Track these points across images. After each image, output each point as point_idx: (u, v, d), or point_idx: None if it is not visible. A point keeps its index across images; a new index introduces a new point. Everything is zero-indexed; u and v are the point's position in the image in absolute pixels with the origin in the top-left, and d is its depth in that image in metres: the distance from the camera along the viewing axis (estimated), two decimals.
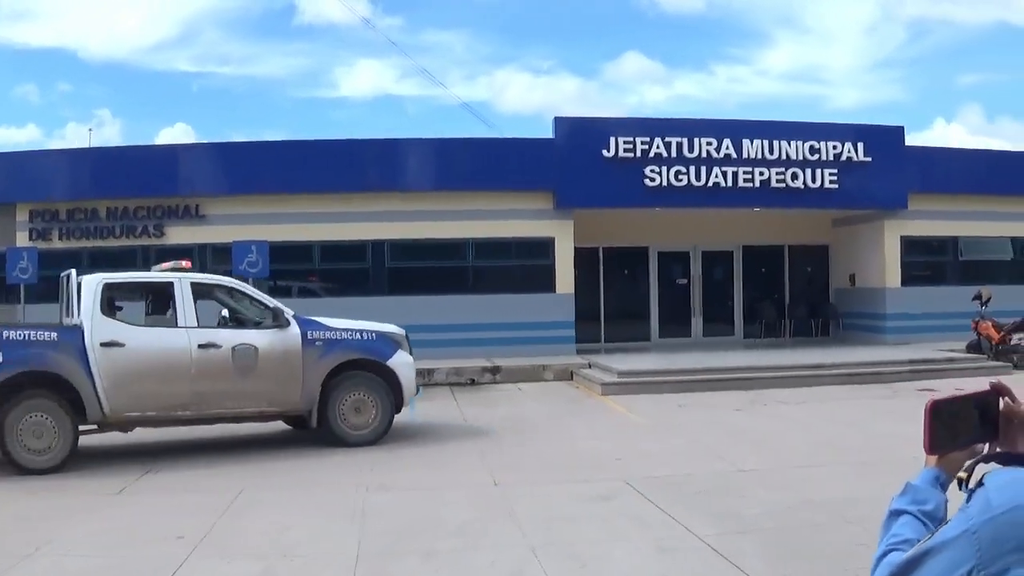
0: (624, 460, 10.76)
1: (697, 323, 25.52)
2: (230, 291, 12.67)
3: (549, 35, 76.08)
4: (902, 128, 23.15)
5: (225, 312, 12.94)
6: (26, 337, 11.14)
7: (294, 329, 12.12)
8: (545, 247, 21.90)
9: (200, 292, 12.09)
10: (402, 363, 12.79)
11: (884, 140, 22.85)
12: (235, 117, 75.46)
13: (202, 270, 16.37)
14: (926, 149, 24.44)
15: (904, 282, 23.27)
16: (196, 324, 11.77)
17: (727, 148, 21.77)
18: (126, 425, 11.74)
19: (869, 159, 22.50)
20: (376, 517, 8.27)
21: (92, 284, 11.50)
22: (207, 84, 72.37)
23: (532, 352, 20.60)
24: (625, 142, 21.62)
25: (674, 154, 21.62)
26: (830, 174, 22.23)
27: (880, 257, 23.55)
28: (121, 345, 11.29)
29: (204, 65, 69.26)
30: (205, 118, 74.85)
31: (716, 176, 21.65)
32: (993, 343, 20.14)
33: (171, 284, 11.93)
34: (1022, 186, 24.22)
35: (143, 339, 11.56)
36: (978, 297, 20.68)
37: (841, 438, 12.35)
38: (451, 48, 67.89)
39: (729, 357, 20.31)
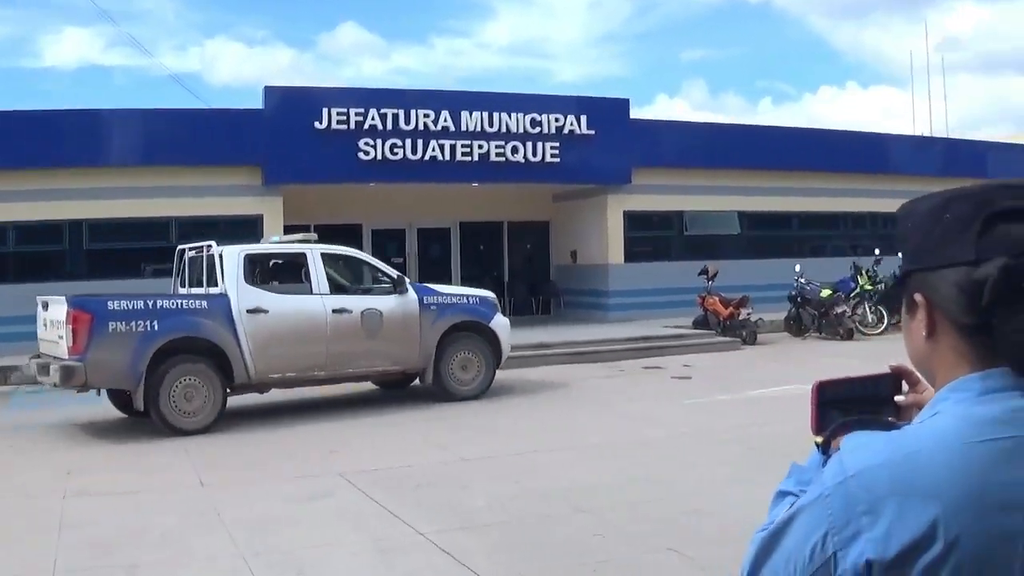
0: (339, 453, 10.45)
1: None
2: (355, 260, 14.68)
3: (264, 3, 74.26)
4: (627, 101, 23.86)
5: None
6: (178, 305, 12.46)
7: (412, 295, 13.82)
8: (253, 225, 21.06)
9: (329, 261, 13.64)
10: (501, 325, 14.68)
11: (608, 113, 23.31)
12: None
13: None
14: (651, 122, 25.12)
15: (627, 258, 23.94)
16: (328, 291, 13.30)
17: (445, 120, 21.63)
18: (267, 387, 13.17)
19: (592, 132, 22.90)
20: (74, 528, 7.67)
21: (234, 255, 12.87)
22: None
23: None
24: (339, 114, 21.09)
25: (390, 126, 21.30)
26: (552, 148, 22.45)
27: (603, 233, 24.10)
28: (265, 311, 12.68)
29: None
30: None
31: (433, 150, 21.51)
32: (721, 318, 20.74)
33: (304, 255, 13.47)
34: (747, 159, 25.09)
35: (284, 305, 12.99)
36: (704, 272, 21.22)
37: (563, 420, 12.29)
38: (162, 16, 65.18)
39: None
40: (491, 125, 21.91)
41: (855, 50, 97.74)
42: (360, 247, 24.19)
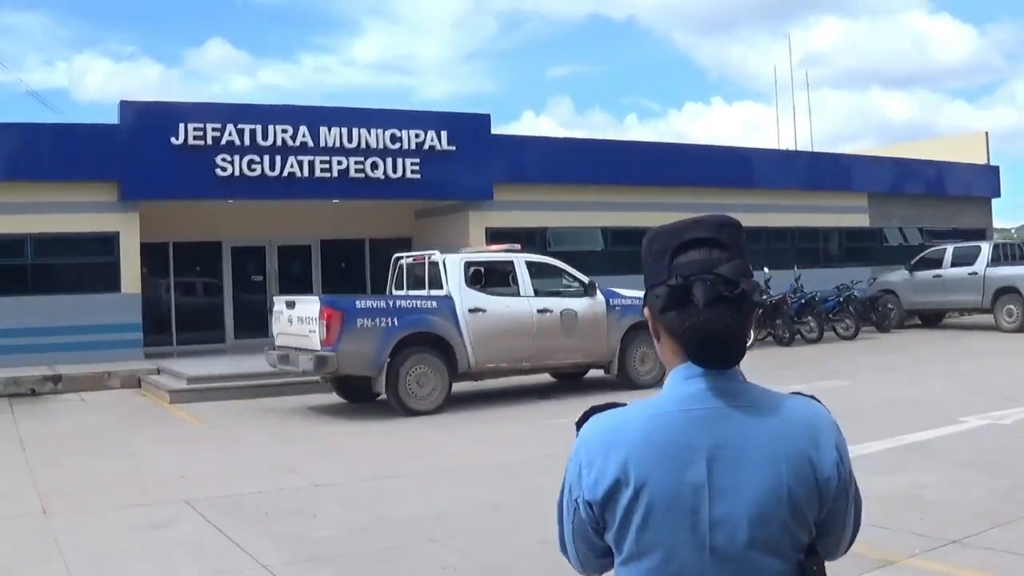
0: (188, 478, 10.48)
1: None
2: (551, 267, 17.12)
3: (132, 19, 73.87)
4: (488, 117, 24.78)
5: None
6: (414, 305, 15.26)
7: (600, 297, 16.73)
8: (109, 243, 21.66)
9: (531, 268, 16.40)
10: None
11: (469, 129, 24.29)
12: None
13: None
14: (513, 138, 26.17)
15: None
16: (533, 293, 16.12)
17: (304, 136, 22.23)
18: (482, 376, 15.99)
19: (453, 148, 23.78)
20: None
21: (457, 262, 15.72)
22: None
23: (98, 358, 20.26)
24: (196, 128, 21.51)
25: (247, 142, 21.83)
26: (412, 164, 23.25)
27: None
28: (483, 311, 15.55)
29: None
30: None
31: (292, 166, 22.05)
32: None
33: (511, 262, 16.33)
34: (611, 175, 26.23)
35: (499, 306, 15.79)
36: None
37: (425, 443, 12.72)
38: (28, 31, 64.36)
39: None
40: (350, 141, 22.55)
41: (720, 66, 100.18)
42: (219, 265, 24.74)
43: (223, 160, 21.40)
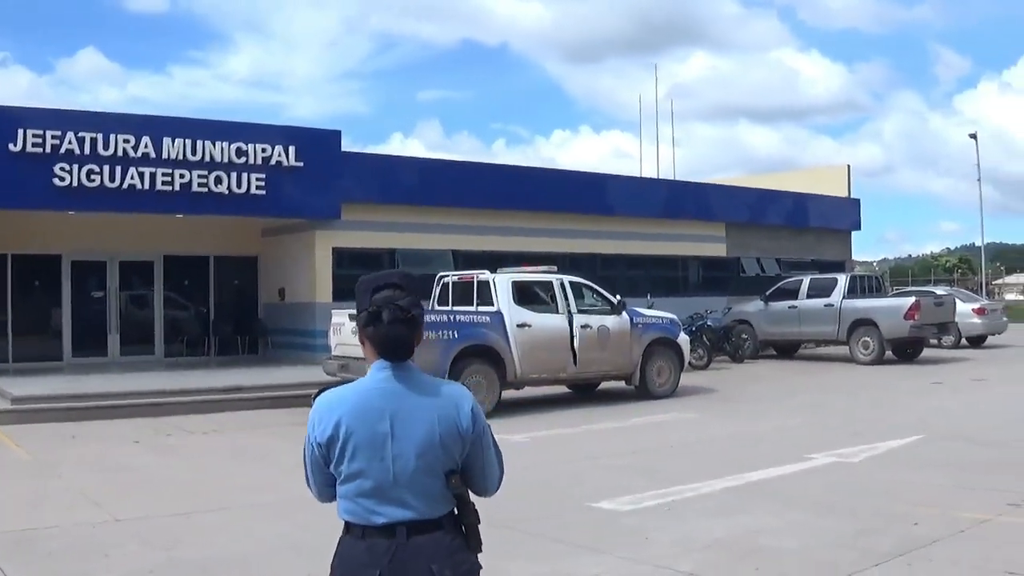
0: None
1: (114, 341, 26.22)
2: (585, 287, 19.55)
3: (3, 24, 72.64)
4: (338, 133, 25.15)
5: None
6: (472, 320, 17.70)
7: (626, 316, 19.39)
8: None
9: (570, 287, 18.87)
10: (684, 340, 20.82)
11: (317, 145, 24.53)
12: None
13: None
14: (363, 156, 26.67)
15: (336, 296, 24.92)
16: (575, 311, 18.63)
17: (145, 147, 22.09)
18: (524, 384, 18.56)
19: (301, 164, 23.95)
20: None
21: (506, 281, 18.35)
22: None
23: None
24: (35, 135, 21.14)
25: (87, 151, 21.54)
26: (257, 179, 23.33)
27: (310, 270, 25.38)
28: (529, 326, 18.09)
29: None
30: None
31: (132, 177, 21.93)
32: None
33: (551, 282, 18.87)
34: (463, 198, 26.77)
35: (543, 322, 18.32)
36: None
37: (242, 474, 12.47)
38: None
39: (142, 379, 20.79)
40: (194, 153, 22.49)
41: (590, 95, 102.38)
42: (59, 279, 24.67)
43: (62, 169, 21.07)
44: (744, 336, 29.34)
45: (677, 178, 44.39)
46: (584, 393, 20.62)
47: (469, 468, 3.44)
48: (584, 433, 15.67)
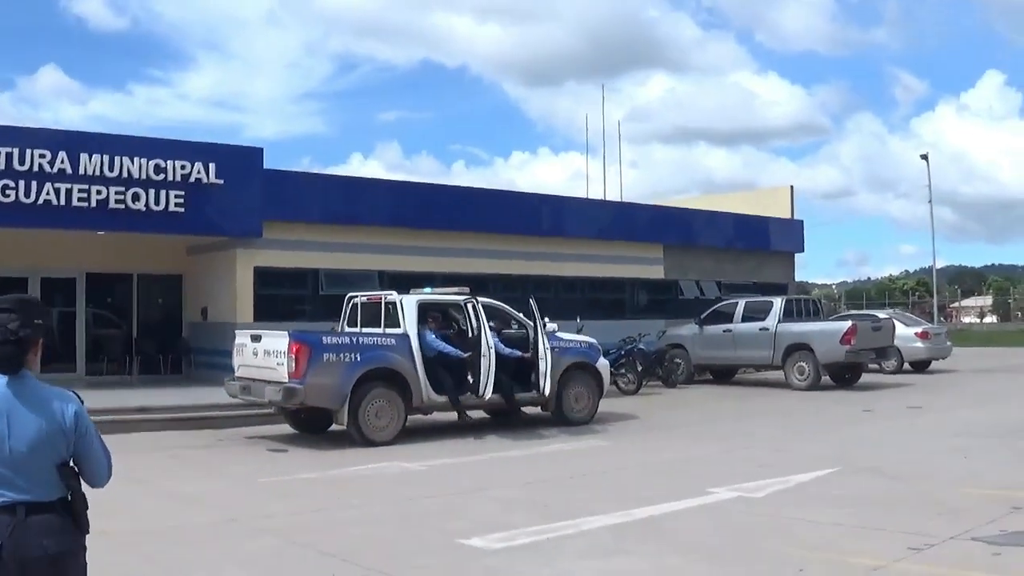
0: None
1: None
2: (498, 309, 18.88)
3: None
4: (260, 150, 25.31)
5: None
6: (375, 342, 17.12)
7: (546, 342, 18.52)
8: None
9: (483, 310, 17.77)
10: (603, 365, 20.24)
11: (238, 162, 24.58)
12: None
13: None
14: (286, 173, 26.67)
15: (257, 317, 25.05)
16: (484, 334, 17.49)
17: (62, 162, 21.89)
18: (432, 409, 18.01)
19: (221, 182, 23.95)
20: None
21: (412, 302, 17.72)
22: None
23: None
24: None
25: (2, 166, 21.44)
26: (176, 196, 23.25)
27: (232, 289, 25.37)
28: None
29: None
30: None
31: (48, 193, 21.79)
32: None
33: (462, 305, 17.94)
34: (391, 217, 26.85)
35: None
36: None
37: (115, 499, 12.10)
38: None
39: None
40: (111, 169, 22.43)
41: (548, 117, 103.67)
42: None
43: None
44: (677, 360, 29.12)
45: (634, 200, 44.54)
46: (502, 419, 19.79)
47: (79, 462, 4.21)
48: (487, 461, 15.26)
